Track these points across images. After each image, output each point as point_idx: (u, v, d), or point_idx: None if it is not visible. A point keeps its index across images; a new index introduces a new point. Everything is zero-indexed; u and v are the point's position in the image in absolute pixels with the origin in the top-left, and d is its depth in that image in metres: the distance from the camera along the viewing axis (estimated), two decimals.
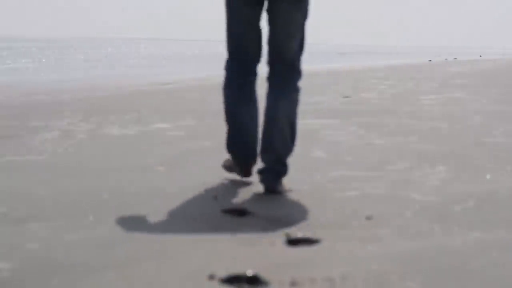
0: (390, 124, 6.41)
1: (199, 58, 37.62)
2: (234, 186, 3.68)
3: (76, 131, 5.93)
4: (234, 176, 3.91)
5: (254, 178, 3.89)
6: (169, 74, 18.89)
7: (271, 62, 3.59)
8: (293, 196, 3.45)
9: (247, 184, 3.73)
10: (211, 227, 2.84)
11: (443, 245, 2.57)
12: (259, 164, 3.67)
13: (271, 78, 3.59)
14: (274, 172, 3.51)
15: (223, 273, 2.25)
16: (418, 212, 3.10)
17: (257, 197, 3.42)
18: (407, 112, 7.56)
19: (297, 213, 3.07)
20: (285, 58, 3.55)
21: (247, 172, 3.68)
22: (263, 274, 2.23)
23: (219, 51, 55.73)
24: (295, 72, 3.59)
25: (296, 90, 3.58)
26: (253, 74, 3.63)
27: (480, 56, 54.63)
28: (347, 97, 9.70)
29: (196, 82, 13.73)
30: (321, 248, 2.56)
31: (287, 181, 3.71)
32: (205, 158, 4.58)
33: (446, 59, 39.01)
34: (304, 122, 6.56)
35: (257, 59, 3.63)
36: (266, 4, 3.52)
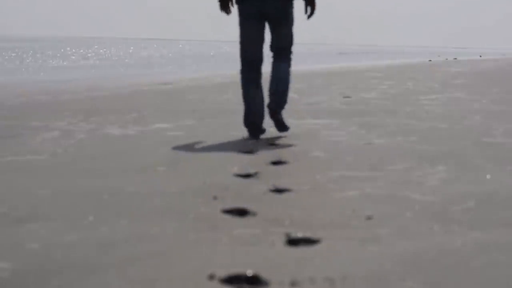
0: (390, 124, 6.41)
1: (199, 58, 37.61)
2: (234, 186, 3.68)
3: (76, 131, 5.93)
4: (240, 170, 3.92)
5: (254, 176, 3.89)
6: (169, 74, 18.88)
7: (273, 50, 5.56)
8: (293, 196, 3.46)
9: (247, 183, 3.74)
10: (211, 227, 2.84)
11: (443, 245, 2.57)
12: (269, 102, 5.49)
13: (274, 56, 5.57)
14: (279, 104, 5.49)
15: (223, 273, 2.25)
16: (418, 212, 3.10)
17: (257, 197, 3.42)
18: (407, 112, 7.55)
19: (297, 213, 3.07)
20: (282, 49, 5.55)
21: (256, 133, 5.49)
22: (263, 274, 2.23)
23: (219, 51, 55.74)
24: (289, 52, 5.58)
25: (289, 59, 5.60)
26: (259, 70, 5.51)
27: (480, 56, 54.64)
28: (347, 97, 9.70)
29: (196, 82, 13.73)
30: (321, 248, 2.56)
31: (288, 179, 3.72)
32: (205, 158, 4.58)
33: (446, 59, 39.00)
34: (304, 122, 6.56)
35: (261, 60, 5.48)
36: (267, 22, 5.49)
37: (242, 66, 5.50)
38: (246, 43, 5.47)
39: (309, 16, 5.50)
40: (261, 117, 5.46)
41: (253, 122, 5.44)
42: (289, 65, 5.58)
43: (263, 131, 5.51)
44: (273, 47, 5.55)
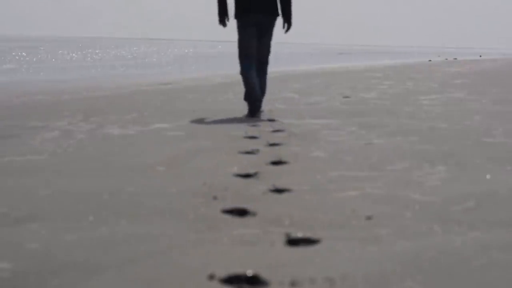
0: (390, 124, 6.41)
1: (199, 58, 37.62)
2: (234, 186, 3.68)
3: (76, 131, 5.93)
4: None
5: (254, 176, 3.90)
6: (169, 74, 18.89)
7: (257, 58, 7.24)
8: (293, 196, 3.46)
9: (247, 183, 3.74)
10: (211, 227, 2.84)
11: (443, 245, 2.57)
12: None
13: (257, 67, 7.26)
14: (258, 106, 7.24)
15: (223, 273, 2.25)
16: (418, 212, 3.10)
17: (257, 197, 3.42)
18: (407, 112, 7.56)
19: (297, 213, 3.07)
20: (262, 58, 7.31)
21: (254, 113, 7.13)
22: (263, 274, 2.23)
23: (219, 51, 55.74)
24: (267, 63, 7.38)
25: (266, 71, 7.39)
26: (253, 65, 7.21)
27: (480, 56, 54.66)
28: (347, 97, 9.70)
29: (196, 82, 13.73)
30: (321, 248, 2.56)
31: (288, 179, 3.73)
32: (205, 158, 4.58)
33: (446, 59, 39.01)
34: (304, 122, 6.56)
35: (254, 58, 7.23)
36: (258, 32, 7.24)
37: (242, 59, 7.17)
38: (246, 45, 7.18)
39: (286, 31, 7.24)
40: (259, 94, 7.17)
41: (254, 98, 7.13)
42: (266, 74, 7.41)
43: (260, 107, 7.20)
44: (257, 57, 7.28)
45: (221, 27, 7.26)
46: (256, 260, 2.40)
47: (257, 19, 7.13)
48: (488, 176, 3.95)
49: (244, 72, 7.15)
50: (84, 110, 7.61)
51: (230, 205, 3.22)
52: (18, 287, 2.14)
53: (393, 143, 5.21)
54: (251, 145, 5.12)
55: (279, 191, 3.54)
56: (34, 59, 27.80)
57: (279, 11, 7.21)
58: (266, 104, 8.25)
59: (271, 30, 7.25)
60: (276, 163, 4.40)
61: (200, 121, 6.68)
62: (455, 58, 40.32)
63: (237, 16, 7.18)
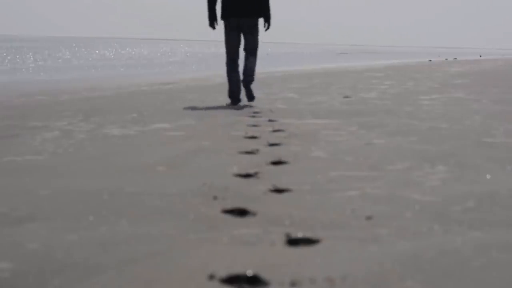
0: (390, 124, 6.41)
1: (199, 58, 37.62)
2: (234, 186, 3.68)
3: (76, 131, 5.93)
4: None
5: (254, 176, 3.89)
6: (169, 74, 18.88)
7: (246, 50, 8.50)
8: (293, 196, 3.46)
9: (247, 183, 3.74)
10: (211, 227, 2.84)
11: (443, 245, 2.57)
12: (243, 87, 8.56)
13: (246, 55, 8.50)
14: (249, 81, 8.43)
15: (223, 273, 2.25)
16: (418, 212, 3.10)
17: (257, 197, 3.42)
18: (407, 112, 7.56)
19: (297, 213, 3.07)
20: (251, 49, 8.49)
21: (235, 102, 8.46)
22: (263, 274, 2.23)
23: (219, 51, 55.77)
24: (255, 54, 8.52)
25: (256, 54, 8.54)
26: (236, 63, 8.49)
27: (480, 56, 54.69)
28: (347, 97, 9.70)
29: (196, 82, 13.73)
30: (321, 248, 2.56)
31: (288, 179, 3.73)
32: (205, 158, 4.58)
33: (446, 59, 39.01)
34: (304, 122, 6.56)
35: (238, 56, 8.49)
36: (242, 32, 8.47)
37: (228, 60, 8.48)
38: (229, 45, 8.47)
39: (266, 29, 8.49)
40: (238, 91, 8.45)
41: (234, 94, 8.44)
42: (255, 58, 8.52)
43: (240, 100, 8.47)
44: (246, 49, 8.49)
45: (211, 29, 8.42)
46: (256, 260, 2.40)
47: (239, 22, 8.38)
48: (488, 176, 3.94)
49: (228, 70, 8.47)
50: (84, 110, 7.61)
51: (230, 205, 3.22)
52: (18, 287, 2.14)
53: (393, 143, 5.20)
54: (251, 145, 5.12)
55: (279, 191, 3.54)
56: (34, 59, 27.79)
57: (260, 13, 8.37)
58: (266, 104, 8.26)
59: (255, 29, 8.48)
60: (276, 163, 4.40)
61: (200, 121, 6.68)
62: (455, 58, 40.32)
63: (222, 18, 8.41)
